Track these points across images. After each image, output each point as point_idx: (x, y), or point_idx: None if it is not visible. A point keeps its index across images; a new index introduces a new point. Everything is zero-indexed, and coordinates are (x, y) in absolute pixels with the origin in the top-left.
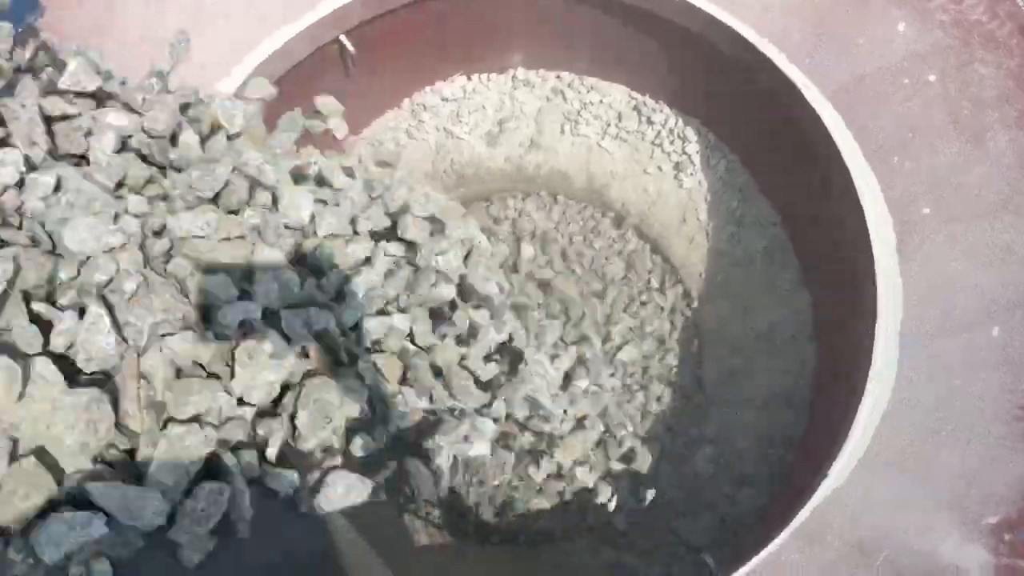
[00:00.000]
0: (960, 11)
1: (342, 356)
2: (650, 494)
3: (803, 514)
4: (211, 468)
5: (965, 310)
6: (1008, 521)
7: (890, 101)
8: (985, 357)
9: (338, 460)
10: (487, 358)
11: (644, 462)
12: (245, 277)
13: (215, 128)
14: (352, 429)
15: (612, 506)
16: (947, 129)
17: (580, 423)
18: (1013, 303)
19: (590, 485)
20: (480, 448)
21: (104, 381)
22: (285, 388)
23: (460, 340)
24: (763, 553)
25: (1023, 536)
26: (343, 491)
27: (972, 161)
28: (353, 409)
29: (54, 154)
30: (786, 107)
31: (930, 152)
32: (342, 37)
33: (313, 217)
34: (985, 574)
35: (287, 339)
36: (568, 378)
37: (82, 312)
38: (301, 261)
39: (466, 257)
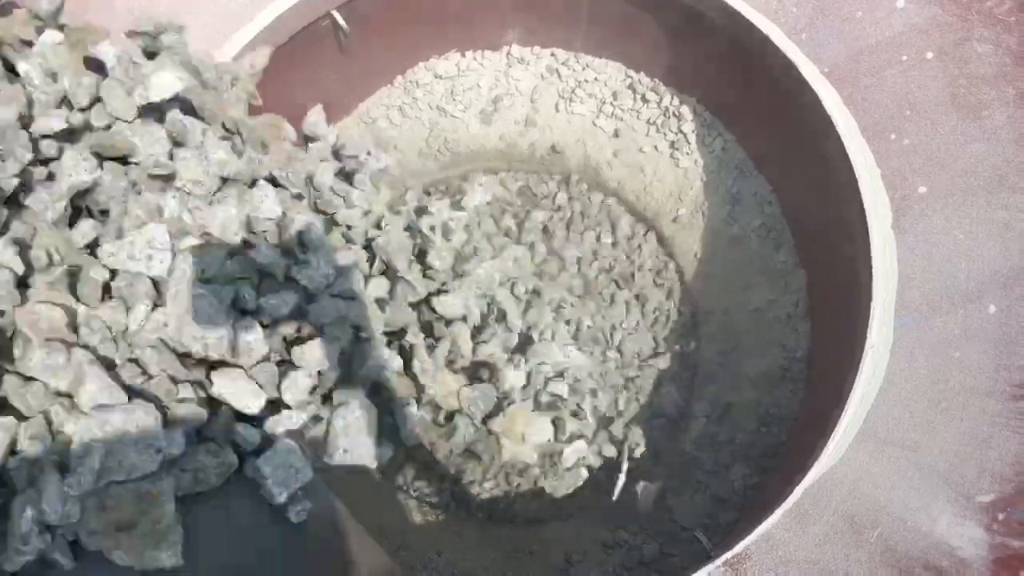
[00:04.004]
0: None
1: None
2: (642, 486)
3: (797, 492)
4: None
5: (961, 287)
6: (1002, 499)
7: (888, 78)
8: (981, 334)
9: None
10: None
11: (638, 441)
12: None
13: None
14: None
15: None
16: (945, 106)
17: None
18: (1010, 280)
19: (585, 464)
20: None
21: None
22: None
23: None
24: (757, 531)
25: (1017, 514)
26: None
27: (969, 138)
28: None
29: None
30: (783, 84)
31: (927, 129)
32: (334, 12)
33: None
34: (978, 551)
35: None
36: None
37: None
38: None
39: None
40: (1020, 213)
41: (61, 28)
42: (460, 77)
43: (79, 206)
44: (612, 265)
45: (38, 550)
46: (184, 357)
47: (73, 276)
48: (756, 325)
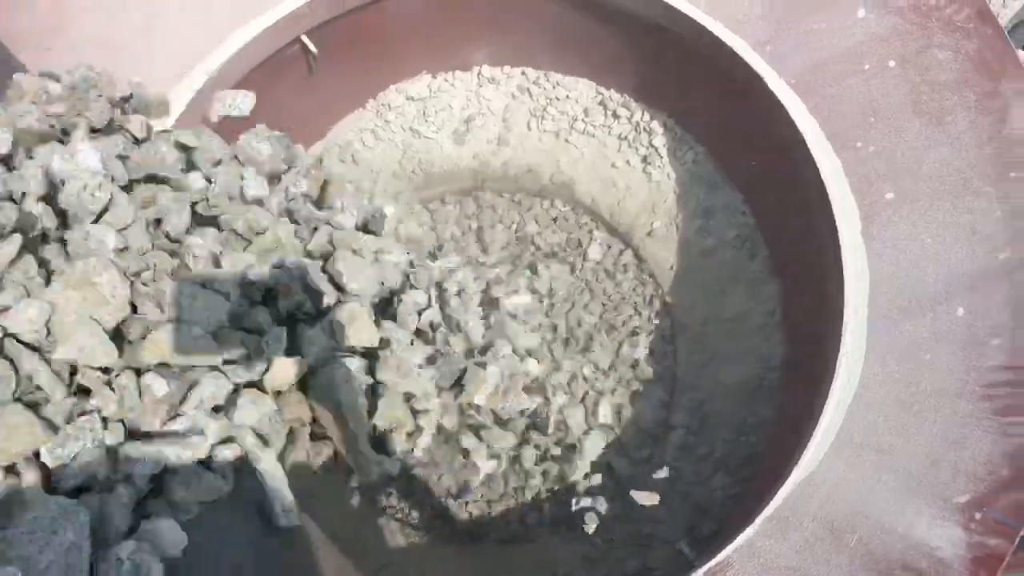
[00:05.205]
0: None
1: None
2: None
3: (776, 500)
4: None
5: (930, 291)
6: (978, 499)
7: (851, 87)
8: (950, 336)
9: None
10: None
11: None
12: None
13: None
14: None
15: (600, 507)
16: (908, 113)
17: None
18: (977, 282)
19: (571, 477)
20: None
21: None
22: None
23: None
24: (737, 540)
25: (994, 513)
26: None
27: (933, 144)
28: None
29: None
30: (750, 96)
31: (892, 136)
32: (303, 37)
33: None
34: (957, 551)
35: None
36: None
37: None
38: None
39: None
40: (985, 216)
41: None
42: (432, 98)
43: None
44: (589, 282)
45: None
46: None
47: None
48: (732, 335)
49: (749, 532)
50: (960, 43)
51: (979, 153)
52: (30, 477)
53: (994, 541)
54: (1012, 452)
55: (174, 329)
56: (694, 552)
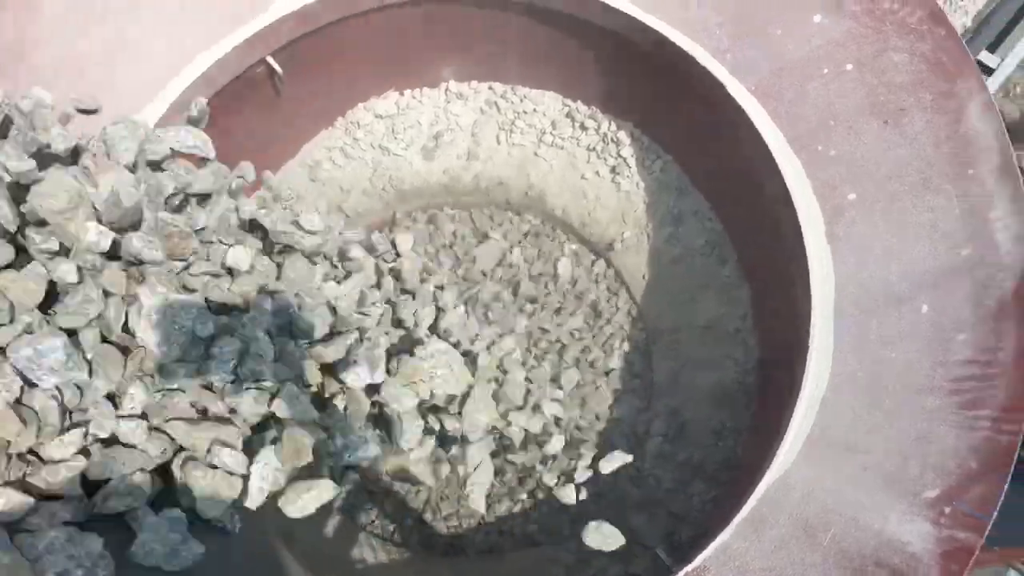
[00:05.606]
0: (872, 0)
1: None
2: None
3: (751, 502)
4: None
5: (895, 289)
6: (947, 493)
7: (810, 91)
8: (916, 333)
9: None
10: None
11: (597, 461)
12: None
13: None
14: None
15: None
16: (866, 115)
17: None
18: (939, 278)
19: (552, 486)
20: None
21: None
22: None
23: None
24: (712, 544)
25: (962, 506)
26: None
27: (892, 144)
28: None
29: None
30: (712, 104)
31: (852, 138)
32: (269, 58)
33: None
34: (927, 545)
35: None
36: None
37: None
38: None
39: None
40: (945, 213)
41: None
42: (400, 115)
43: None
44: (564, 295)
45: None
46: None
47: None
48: (706, 340)
49: (724, 536)
50: (915, 45)
51: (936, 152)
52: None
53: (963, 535)
54: (978, 445)
55: None
56: (672, 558)
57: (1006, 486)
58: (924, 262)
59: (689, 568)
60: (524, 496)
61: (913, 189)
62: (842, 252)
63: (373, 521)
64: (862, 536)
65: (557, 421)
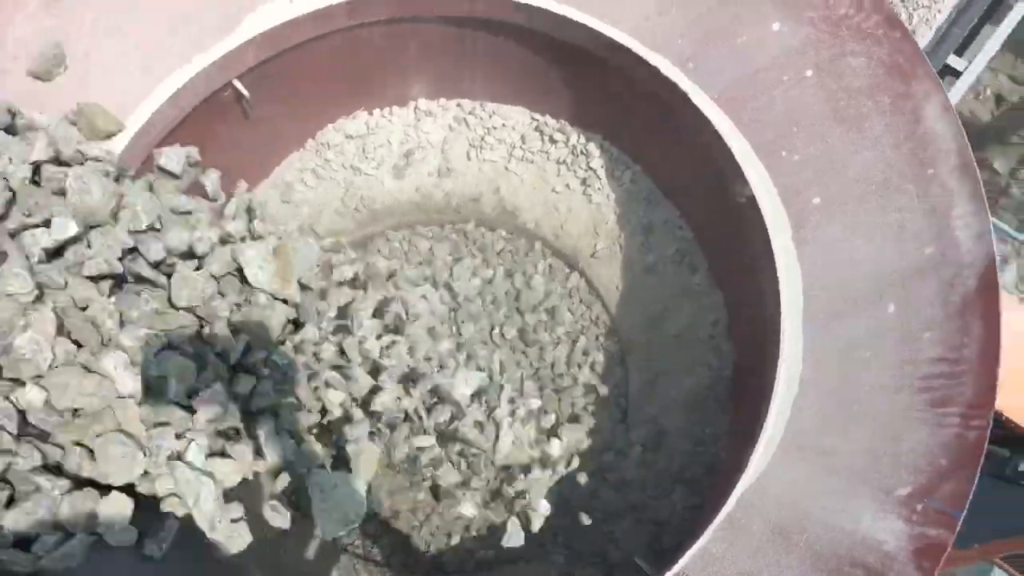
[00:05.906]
0: (828, 6)
1: None
2: (584, 518)
3: (726, 508)
4: None
5: (862, 289)
6: (919, 490)
7: (773, 98)
8: (884, 332)
9: None
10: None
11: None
12: None
13: None
14: None
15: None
16: (828, 120)
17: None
18: (906, 278)
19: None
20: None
21: None
22: None
23: None
24: (690, 552)
25: (934, 503)
26: None
27: (855, 148)
28: None
29: None
30: (677, 113)
31: (815, 143)
32: (235, 82)
33: None
34: (900, 543)
35: None
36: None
37: None
38: None
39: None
40: (911, 214)
41: None
42: (370, 135)
43: None
44: (537, 306)
45: None
46: None
47: None
48: (680, 349)
49: (702, 542)
50: (871, 49)
51: (897, 153)
52: None
53: (935, 531)
54: (948, 442)
55: None
56: (653, 566)
57: (976, 481)
58: (891, 262)
59: (669, 574)
60: (506, 515)
61: (878, 190)
62: (809, 255)
63: (355, 542)
64: (837, 536)
65: (537, 441)
